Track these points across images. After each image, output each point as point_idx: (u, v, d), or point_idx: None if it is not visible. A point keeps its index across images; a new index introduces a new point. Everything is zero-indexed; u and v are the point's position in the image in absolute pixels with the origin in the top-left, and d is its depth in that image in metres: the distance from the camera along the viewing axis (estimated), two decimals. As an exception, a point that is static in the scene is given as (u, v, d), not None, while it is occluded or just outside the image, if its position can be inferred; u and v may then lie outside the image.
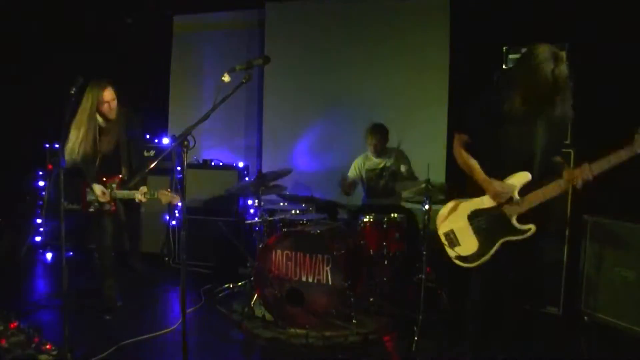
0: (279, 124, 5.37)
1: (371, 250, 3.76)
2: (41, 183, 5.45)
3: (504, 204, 2.51)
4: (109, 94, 3.50)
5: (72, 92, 2.63)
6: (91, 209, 3.57)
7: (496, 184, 2.49)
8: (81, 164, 3.51)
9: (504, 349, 2.69)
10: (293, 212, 4.15)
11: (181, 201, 3.24)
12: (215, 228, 4.70)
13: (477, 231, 2.60)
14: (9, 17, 5.43)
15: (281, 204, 4.53)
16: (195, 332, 3.37)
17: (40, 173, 5.47)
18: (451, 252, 2.70)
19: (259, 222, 3.92)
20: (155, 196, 3.43)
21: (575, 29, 3.86)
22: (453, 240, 2.69)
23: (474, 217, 2.62)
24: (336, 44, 5.11)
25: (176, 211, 5.03)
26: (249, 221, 4.34)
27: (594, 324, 3.44)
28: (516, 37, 3.87)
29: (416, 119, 4.82)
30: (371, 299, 3.72)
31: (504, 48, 3.77)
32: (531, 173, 2.47)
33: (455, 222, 2.68)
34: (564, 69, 2.26)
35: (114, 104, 3.55)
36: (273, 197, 4.57)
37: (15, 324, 2.85)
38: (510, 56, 3.75)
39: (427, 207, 3.41)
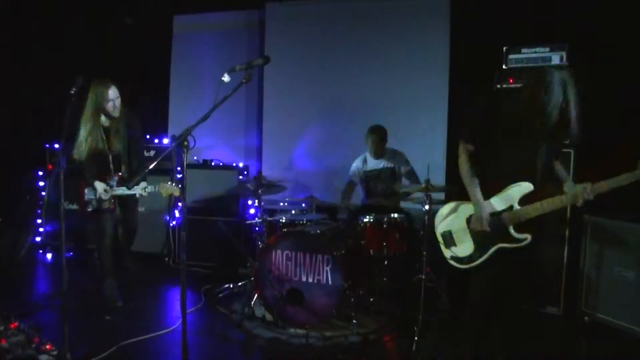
0: (278, 124, 5.37)
1: (371, 251, 3.75)
2: (41, 183, 5.47)
3: (504, 210, 2.50)
4: (113, 93, 3.55)
5: (73, 92, 2.63)
6: (89, 209, 3.58)
7: (484, 213, 2.49)
8: (86, 161, 3.54)
9: (504, 349, 2.69)
10: (293, 212, 4.14)
11: (181, 201, 3.24)
12: (215, 228, 4.70)
13: (474, 234, 2.60)
14: (9, 17, 5.43)
15: (281, 204, 4.53)
16: (195, 332, 3.37)
17: (40, 173, 5.48)
18: (446, 252, 2.71)
19: (259, 222, 3.92)
20: (156, 189, 3.43)
21: (575, 29, 3.87)
22: (449, 241, 2.69)
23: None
24: (336, 44, 5.11)
25: (176, 211, 5.03)
26: (249, 221, 4.34)
27: (594, 324, 3.44)
28: (516, 37, 3.88)
29: (416, 119, 4.82)
30: (371, 299, 3.72)
31: (504, 48, 3.78)
32: (532, 182, 2.46)
33: (454, 223, 2.69)
34: (570, 95, 2.26)
35: (119, 102, 3.59)
36: (273, 197, 4.57)
37: (16, 324, 2.84)
38: (510, 56, 3.76)
39: (427, 207, 3.41)
